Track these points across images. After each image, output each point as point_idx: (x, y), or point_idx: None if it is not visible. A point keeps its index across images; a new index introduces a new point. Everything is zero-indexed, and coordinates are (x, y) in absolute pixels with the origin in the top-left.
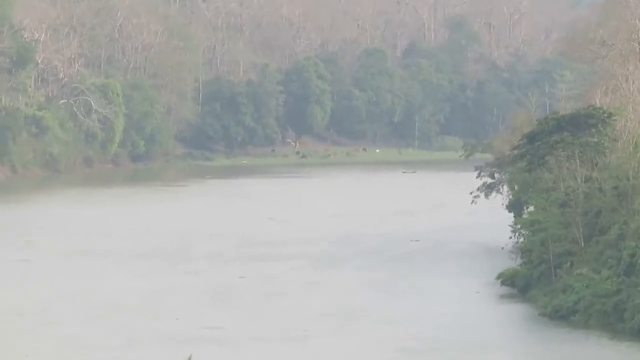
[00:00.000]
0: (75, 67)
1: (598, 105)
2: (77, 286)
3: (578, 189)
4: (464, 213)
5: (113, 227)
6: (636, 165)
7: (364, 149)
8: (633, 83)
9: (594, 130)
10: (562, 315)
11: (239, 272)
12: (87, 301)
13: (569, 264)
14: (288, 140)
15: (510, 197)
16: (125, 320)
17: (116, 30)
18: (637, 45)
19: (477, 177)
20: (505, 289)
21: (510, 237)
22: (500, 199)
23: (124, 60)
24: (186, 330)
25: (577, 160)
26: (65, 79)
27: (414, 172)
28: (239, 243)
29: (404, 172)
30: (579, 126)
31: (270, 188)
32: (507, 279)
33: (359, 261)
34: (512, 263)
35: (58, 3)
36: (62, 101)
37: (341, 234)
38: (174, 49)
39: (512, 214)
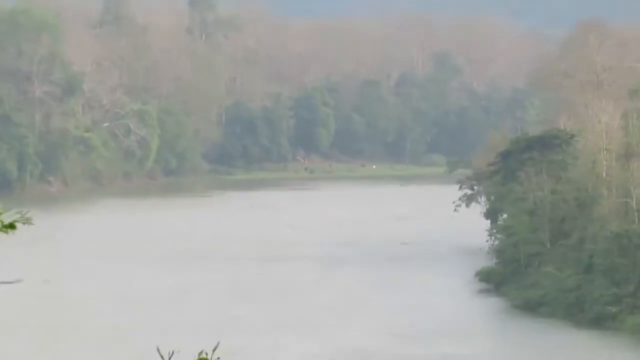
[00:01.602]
0: (116, 95)
1: (562, 128)
2: (121, 282)
3: (545, 200)
4: (447, 220)
5: (150, 232)
6: (594, 179)
7: (363, 165)
8: (591, 109)
9: (558, 149)
10: (531, 307)
11: (257, 270)
12: (131, 294)
13: (537, 263)
14: (298, 157)
15: (487, 206)
16: (156, 311)
17: (151, 63)
18: (594, 76)
19: (459, 189)
20: (482, 285)
21: (487, 241)
22: (478, 208)
23: (158, 89)
24: (213, 319)
25: (544, 175)
26: (108, 105)
27: (406, 185)
28: (257, 245)
29: (401, 185)
30: (546, 146)
31: (283, 198)
32: (484, 276)
33: (359, 261)
34: (488, 262)
35: (101, 40)
36: (105, 124)
37: (344, 238)
38: (201, 80)
39: (488, 221)
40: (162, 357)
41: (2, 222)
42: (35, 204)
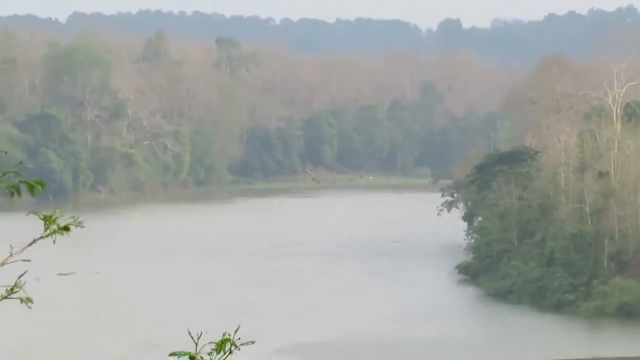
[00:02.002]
0: (155, 118)
1: (527, 146)
2: (160, 273)
3: (513, 205)
4: (432, 222)
5: (183, 232)
6: (554, 188)
7: (361, 176)
8: (552, 130)
9: (524, 163)
10: (502, 295)
11: (271, 264)
12: (167, 284)
13: (506, 258)
14: (306, 170)
15: (465, 210)
16: (189, 298)
17: (184, 92)
18: (555, 103)
19: (441, 197)
20: (461, 276)
21: (465, 239)
22: (457, 212)
23: (190, 113)
24: (235, 304)
25: (512, 185)
26: (148, 127)
27: (398, 193)
28: (271, 243)
29: (395, 193)
30: (514, 160)
31: (293, 204)
32: (463, 269)
33: (357, 257)
34: (466, 258)
35: (143, 72)
36: (145, 142)
37: (345, 237)
38: (226, 106)
39: (466, 223)
40: (192, 338)
41: (58, 225)
42: (86, 210)
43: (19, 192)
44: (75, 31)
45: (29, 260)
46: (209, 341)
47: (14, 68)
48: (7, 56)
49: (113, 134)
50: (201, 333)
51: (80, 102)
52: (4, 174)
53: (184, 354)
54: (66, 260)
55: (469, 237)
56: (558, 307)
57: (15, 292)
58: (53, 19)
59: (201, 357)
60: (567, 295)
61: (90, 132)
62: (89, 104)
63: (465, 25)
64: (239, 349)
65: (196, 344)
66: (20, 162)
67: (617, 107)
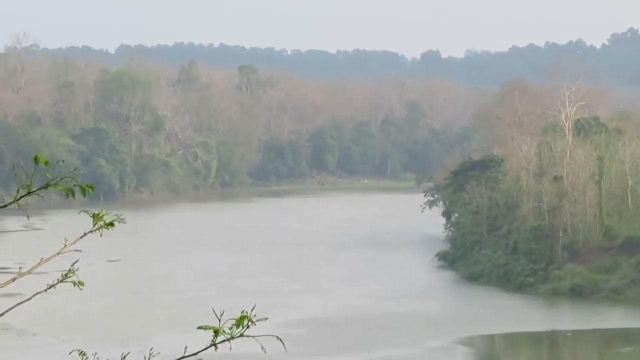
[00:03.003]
0: (188, 132)
1: (495, 155)
2: (190, 260)
3: (483, 204)
4: (416, 218)
5: (210, 226)
6: (517, 190)
7: (358, 180)
8: (515, 142)
9: (492, 169)
10: (474, 278)
11: (283, 252)
12: (196, 269)
13: (478, 247)
14: (313, 175)
15: (444, 208)
16: (215, 281)
17: (212, 110)
18: (517, 119)
19: (424, 197)
20: (440, 263)
21: (443, 232)
22: (437, 209)
23: (217, 127)
24: (252, 286)
25: (483, 187)
26: (182, 139)
27: (388, 194)
28: (283, 234)
29: (386, 194)
30: (484, 167)
31: (302, 203)
32: (442, 256)
33: (354, 246)
34: (444, 247)
35: (177, 93)
36: (180, 152)
37: (344, 230)
38: (246, 122)
39: (444, 218)
40: (216, 314)
41: (104, 221)
42: (131, 207)
43: (73, 194)
44: (122, 60)
45: (80, 250)
46: (230, 317)
47: (72, 90)
48: (66, 80)
49: (153, 144)
50: (224, 310)
51: (126, 118)
52: (61, 179)
53: (209, 328)
54: (114, 249)
55: (447, 230)
56: (520, 288)
57: (70, 276)
58: (104, 50)
59: (223, 331)
60: (528, 278)
61: (134, 143)
62: (133, 120)
63: (443, 55)
64: (255, 324)
65: (219, 320)
66: (75, 169)
67: (568, 123)
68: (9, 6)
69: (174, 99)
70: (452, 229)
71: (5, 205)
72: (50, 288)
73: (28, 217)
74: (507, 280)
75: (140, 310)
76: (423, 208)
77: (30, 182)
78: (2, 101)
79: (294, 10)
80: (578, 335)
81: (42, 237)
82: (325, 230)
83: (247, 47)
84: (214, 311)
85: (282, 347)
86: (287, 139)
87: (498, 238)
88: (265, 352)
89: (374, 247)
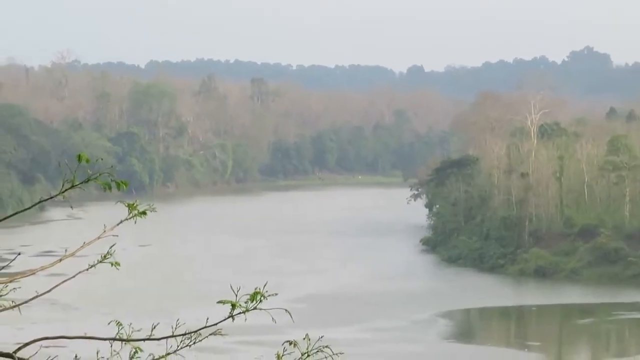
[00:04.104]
0: (207, 135)
1: (470, 154)
2: (210, 245)
3: (460, 197)
4: (403, 209)
5: (226, 215)
6: (490, 185)
7: (353, 176)
8: (488, 144)
9: (468, 167)
10: (452, 260)
11: (289, 238)
12: (214, 252)
13: (456, 234)
14: (314, 172)
15: (427, 200)
16: (231, 263)
17: (228, 117)
18: (490, 124)
19: (410, 191)
20: (424, 247)
21: (426, 221)
22: (421, 201)
23: (232, 131)
24: (262, 267)
25: (460, 182)
26: (202, 141)
27: (378, 188)
28: (289, 223)
29: (377, 188)
30: (461, 165)
31: (305, 196)
32: (425, 242)
33: (350, 233)
34: (427, 234)
35: (199, 102)
36: (201, 152)
37: (341, 219)
38: (257, 127)
39: (427, 209)
40: (233, 291)
41: (138, 210)
42: (158, 200)
43: (109, 188)
44: (151, 73)
45: (116, 236)
46: (245, 293)
47: (108, 100)
48: (103, 91)
49: (177, 146)
50: (239, 287)
51: (154, 124)
52: (99, 175)
53: (227, 302)
54: (145, 235)
55: (429, 219)
56: (492, 269)
57: (108, 258)
58: (136, 65)
59: (239, 305)
60: (499, 260)
61: (161, 144)
62: (160, 125)
63: (427, 69)
64: (266, 299)
65: (236, 295)
66: (111, 167)
67: (533, 128)
68: (55, 27)
69: (195, 107)
70: (433, 218)
71: (52, 197)
72: (90, 268)
73: (71, 207)
74: (481, 262)
75: (168, 287)
76: (409, 200)
77: (74, 177)
78: (49, 109)
79: (298, 31)
80: (542, 309)
81: (83, 225)
82: (324, 220)
83: (258, 63)
84: (231, 288)
85: (290, 319)
86: (292, 141)
87: (473, 226)
88: (275, 322)
89: (366, 233)
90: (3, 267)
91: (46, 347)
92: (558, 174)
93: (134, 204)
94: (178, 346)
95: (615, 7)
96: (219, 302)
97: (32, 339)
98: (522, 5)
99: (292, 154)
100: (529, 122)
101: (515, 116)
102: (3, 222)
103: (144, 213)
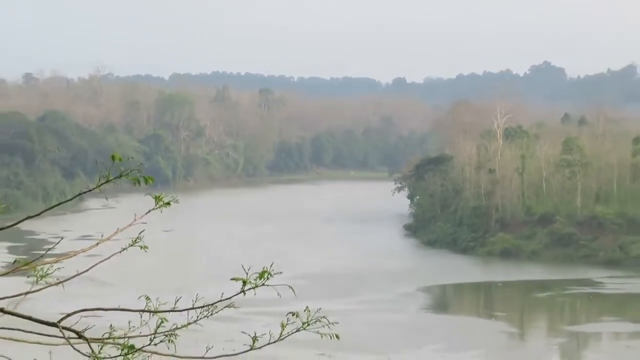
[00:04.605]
0: (221, 137)
1: (446, 153)
2: (223, 230)
3: (437, 189)
4: (388, 199)
5: (238, 205)
6: (462, 179)
7: (346, 172)
8: (461, 144)
9: (445, 164)
10: (430, 243)
11: (290, 224)
12: (227, 237)
13: (434, 221)
14: (313, 168)
15: (408, 192)
16: (243, 246)
17: (240, 121)
18: (463, 127)
19: (394, 184)
20: (406, 232)
21: (408, 210)
22: (404, 193)
23: (243, 133)
24: (268, 249)
25: (437, 177)
26: (217, 141)
27: (367, 182)
28: (291, 211)
29: (367, 182)
30: (438, 162)
31: (305, 189)
32: (407, 227)
33: (342, 220)
34: (409, 221)
35: (214, 109)
36: (216, 151)
37: (335, 208)
38: (265, 130)
39: (409, 200)
40: (244, 270)
41: (163, 201)
42: (180, 192)
43: (139, 182)
44: (174, 84)
45: (145, 223)
46: (254, 272)
47: (137, 107)
48: (133, 99)
49: (196, 146)
50: (250, 267)
51: (176, 127)
52: (130, 171)
53: (239, 279)
54: (169, 222)
55: (411, 208)
56: (464, 251)
57: (137, 242)
58: (161, 77)
59: (249, 282)
60: (470, 243)
61: (182, 145)
62: (181, 128)
63: (408, 81)
64: (272, 277)
65: (246, 274)
66: (140, 164)
67: (499, 131)
68: (92, 44)
69: (211, 113)
70: (414, 207)
71: (90, 190)
72: (123, 250)
73: (106, 198)
74: (455, 244)
75: (188, 267)
76: (393, 192)
77: (108, 173)
78: (87, 114)
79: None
80: (506, 285)
81: (116, 214)
82: (321, 209)
83: (265, 75)
84: (242, 267)
85: (292, 293)
86: (294, 142)
87: (448, 214)
88: (280, 296)
89: (357, 220)
90: (49, 250)
91: (85, 317)
92: (520, 170)
93: (159, 196)
94: (197, 317)
95: (570, 27)
96: (232, 279)
97: (73, 310)
98: (490, 25)
99: (294, 153)
100: (496, 126)
101: (484, 121)
102: (48, 210)
103: (168, 204)
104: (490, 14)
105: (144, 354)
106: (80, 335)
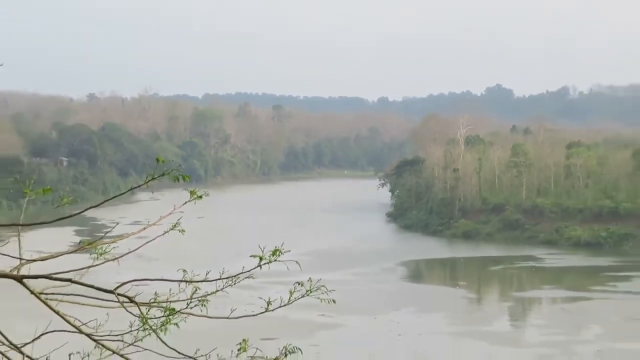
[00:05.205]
0: (243, 143)
1: (420, 156)
2: (244, 219)
3: (413, 185)
4: (374, 193)
5: (254, 198)
6: (433, 177)
7: (342, 172)
8: (431, 150)
9: (419, 165)
10: (407, 227)
11: (296, 214)
12: (246, 224)
13: (410, 210)
14: (315, 168)
15: (390, 187)
16: (259, 230)
17: (257, 131)
18: (433, 136)
19: (379, 181)
20: (388, 219)
21: (390, 201)
22: (387, 188)
23: (260, 141)
24: (279, 233)
25: (413, 175)
26: (240, 147)
27: (358, 179)
28: (296, 203)
29: (358, 179)
30: (413, 163)
31: (308, 185)
32: (389, 215)
33: (337, 210)
34: (390, 210)
35: (238, 121)
36: (239, 155)
37: (331, 200)
38: (277, 137)
39: (391, 193)
40: (260, 249)
41: (197, 194)
42: (210, 188)
43: (178, 180)
44: (206, 102)
45: (182, 212)
46: (268, 250)
47: (177, 120)
48: (174, 114)
49: (223, 151)
50: (265, 246)
51: (207, 136)
52: (171, 171)
53: (256, 256)
54: (201, 211)
55: (392, 200)
56: (434, 233)
57: (176, 226)
58: (196, 96)
59: (265, 258)
60: (438, 227)
61: (212, 150)
62: (212, 137)
63: (390, 99)
64: (282, 254)
65: (262, 251)
66: (179, 165)
67: (461, 139)
68: (141, 69)
69: (235, 125)
70: (394, 199)
71: (139, 186)
72: (165, 233)
73: (152, 192)
74: (426, 228)
75: (216, 246)
76: (378, 187)
77: (153, 172)
78: (137, 126)
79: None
80: (467, 260)
81: (160, 204)
82: (320, 200)
83: (277, 95)
84: (259, 247)
85: (298, 267)
86: (300, 147)
87: (421, 204)
88: (288, 269)
89: (348, 210)
90: (107, 233)
91: (136, 285)
92: (478, 170)
93: (194, 190)
94: (224, 286)
95: (517, 53)
96: (251, 256)
97: (126, 280)
98: (454, 53)
99: (300, 156)
100: (459, 135)
101: (449, 131)
102: (107, 202)
103: (200, 197)
104: (453, 44)
105: (182, 315)
106: (131, 300)
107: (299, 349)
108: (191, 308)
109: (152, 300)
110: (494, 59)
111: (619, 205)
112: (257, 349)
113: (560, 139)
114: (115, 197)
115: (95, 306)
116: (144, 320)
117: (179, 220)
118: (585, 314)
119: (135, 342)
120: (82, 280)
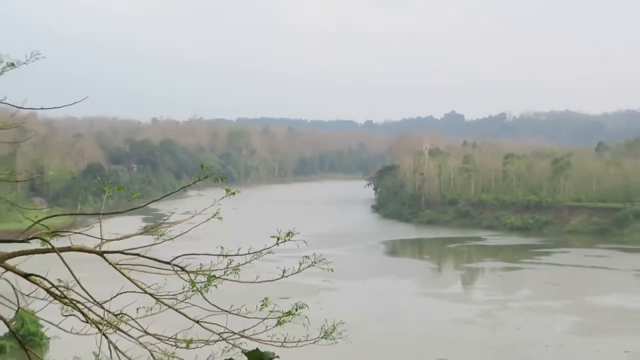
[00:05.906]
0: (266, 154)
1: (397, 164)
2: (264, 209)
3: (391, 185)
4: (361, 191)
5: (273, 195)
6: (405, 179)
7: (338, 175)
8: (404, 160)
9: (395, 170)
10: (386, 216)
11: (304, 206)
12: (267, 213)
13: (389, 202)
14: (319, 173)
15: (374, 186)
16: (276, 217)
17: (277, 146)
18: (406, 150)
19: (366, 182)
20: (372, 209)
21: (374, 197)
22: (371, 187)
23: (278, 152)
24: (291, 221)
25: (391, 177)
26: (263, 157)
27: (350, 181)
28: (303, 198)
29: (350, 181)
30: (391, 169)
31: (314, 186)
32: (373, 207)
33: (334, 203)
34: (374, 203)
35: (260, 139)
36: (262, 163)
37: (330, 196)
38: (291, 150)
39: (374, 191)
40: (277, 232)
41: (231, 192)
42: (241, 187)
43: (217, 180)
44: (239, 124)
45: (220, 205)
46: (283, 232)
47: (217, 137)
48: (214, 132)
49: (252, 160)
50: (281, 230)
51: (240, 148)
52: (213, 174)
53: (275, 236)
54: (234, 204)
55: (375, 196)
56: (406, 220)
57: (216, 215)
58: (230, 119)
59: (281, 237)
60: (409, 216)
61: (243, 159)
62: (243, 149)
63: (374, 122)
64: (294, 235)
65: (279, 233)
66: (218, 170)
67: (426, 151)
68: (190, 98)
69: (260, 141)
70: (377, 195)
71: (189, 185)
72: (207, 220)
73: (199, 190)
74: (400, 216)
75: (246, 229)
76: (365, 187)
77: (200, 175)
78: (187, 142)
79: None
80: (431, 240)
81: (204, 199)
82: (321, 196)
83: (291, 118)
84: (277, 230)
85: (306, 245)
86: (308, 157)
87: (397, 199)
88: (298, 247)
89: (342, 203)
90: (165, 219)
91: (186, 258)
92: (438, 174)
93: (229, 189)
94: (251, 259)
95: (468, 84)
96: (271, 236)
97: (179, 254)
98: (419, 84)
99: (308, 164)
100: (424, 148)
101: (417, 146)
102: (165, 197)
103: (233, 193)
104: (416, 80)
105: (220, 280)
106: (183, 269)
107: (306, 305)
108: (227, 275)
109: (198, 269)
110: (450, 89)
111: (542, 199)
112: (275, 304)
113: (499, 152)
114: (171, 193)
115: (157, 274)
116: (192, 283)
117: (218, 210)
118: (518, 280)
119: (185, 299)
120: (147, 255)
